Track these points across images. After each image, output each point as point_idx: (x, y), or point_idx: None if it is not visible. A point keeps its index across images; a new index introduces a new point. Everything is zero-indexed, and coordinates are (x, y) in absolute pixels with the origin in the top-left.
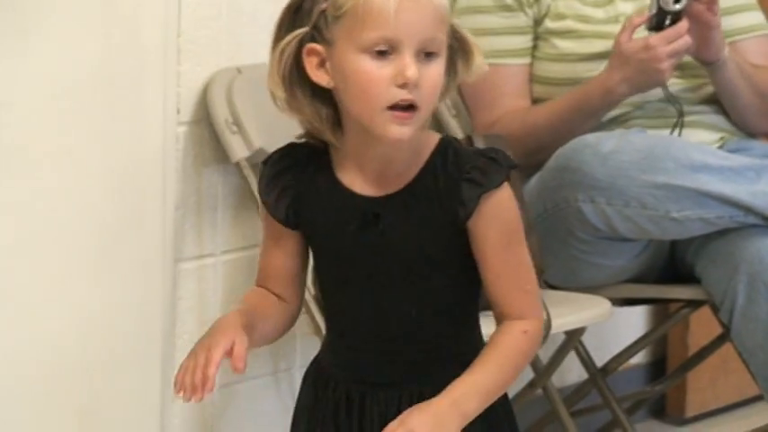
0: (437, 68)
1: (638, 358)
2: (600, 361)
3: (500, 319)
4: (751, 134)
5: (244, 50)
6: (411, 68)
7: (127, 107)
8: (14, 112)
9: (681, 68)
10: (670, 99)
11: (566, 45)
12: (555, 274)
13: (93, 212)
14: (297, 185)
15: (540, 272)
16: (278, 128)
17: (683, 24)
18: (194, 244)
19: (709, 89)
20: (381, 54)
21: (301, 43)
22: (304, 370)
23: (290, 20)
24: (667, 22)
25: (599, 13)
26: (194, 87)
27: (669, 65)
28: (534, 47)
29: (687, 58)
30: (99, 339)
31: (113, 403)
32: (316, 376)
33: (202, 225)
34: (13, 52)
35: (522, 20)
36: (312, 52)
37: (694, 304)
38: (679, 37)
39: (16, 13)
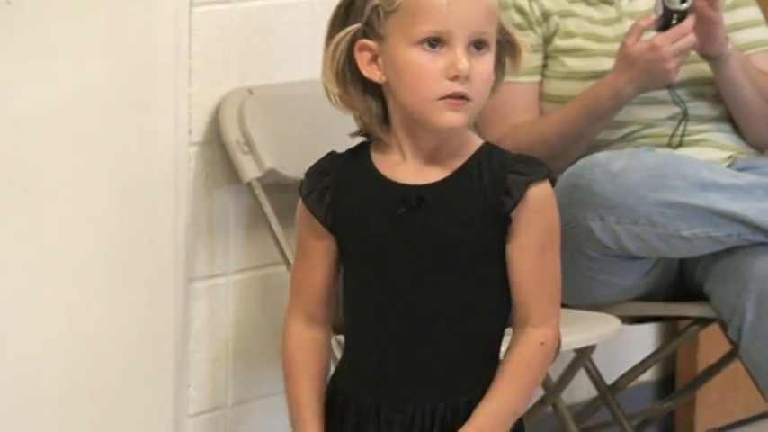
0: (487, 62)
1: (648, 375)
2: (609, 378)
3: (518, 324)
4: (759, 149)
5: (254, 71)
6: (462, 61)
7: (139, 128)
8: (30, 130)
9: (690, 87)
10: (674, 99)
11: (575, 63)
12: (564, 292)
13: (106, 232)
14: (337, 184)
15: None
16: (289, 148)
17: (689, 23)
18: (206, 263)
19: (720, 108)
20: (433, 47)
21: (353, 39)
22: None
23: (342, 16)
24: (674, 21)
25: (608, 31)
26: (206, 108)
27: (675, 64)
28: (544, 65)
29: (699, 84)
30: (112, 358)
31: (127, 421)
32: (332, 396)
33: (214, 245)
34: (30, 73)
35: (532, 38)
36: (364, 48)
37: (703, 322)
38: (683, 35)
39: (35, 35)
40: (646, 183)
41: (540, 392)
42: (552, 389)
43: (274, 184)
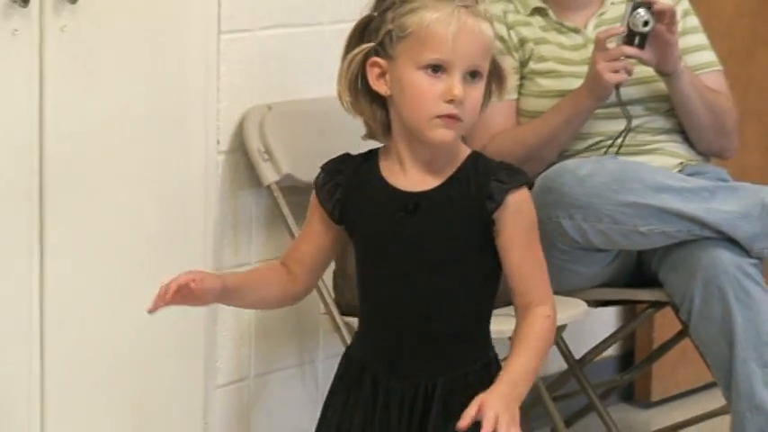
0: (479, 90)
1: (610, 351)
2: (577, 353)
3: (522, 307)
4: (706, 157)
5: (273, 90)
6: (458, 87)
7: (174, 139)
8: (81, 142)
9: (647, 103)
10: (625, 114)
11: (547, 83)
12: None
13: (146, 229)
14: (347, 183)
15: None
16: (303, 156)
17: (629, 50)
18: (232, 255)
19: (672, 122)
20: (434, 72)
21: (366, 56)
22: (326, 362)
23: (359, 35)
24: (636, 41)
25: (575, 55)
26: (232, 121)
27: (610, 78)
28: (521, 85)
29: (655, 100)
30: (149, 338)
31: (163, 392)
32: (345, 369)
33: (239, 239)
34: (81, 93)
35: (510, 62)
36: (375, 64)
37: (658, 305)
38: (621, 55)
39: (86, 60)
40: (609, 186)
41: None
42: None
43: (290, 187)
